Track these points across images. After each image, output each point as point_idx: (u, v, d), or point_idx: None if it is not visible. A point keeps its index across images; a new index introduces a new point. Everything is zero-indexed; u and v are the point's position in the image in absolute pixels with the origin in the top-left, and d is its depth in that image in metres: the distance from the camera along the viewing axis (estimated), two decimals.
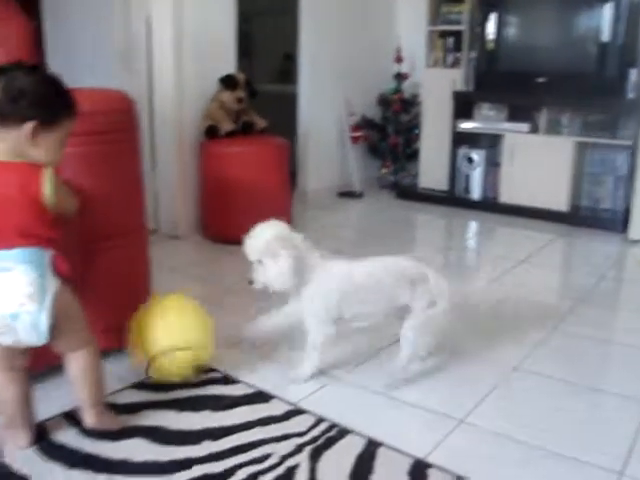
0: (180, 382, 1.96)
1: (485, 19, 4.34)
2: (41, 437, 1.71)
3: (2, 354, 1.61)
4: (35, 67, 1.61)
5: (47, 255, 1.57)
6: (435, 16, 4.67)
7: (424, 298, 1.99)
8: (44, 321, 1.54)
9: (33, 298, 1.52)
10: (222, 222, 3.55)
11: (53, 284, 1.57)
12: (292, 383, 1.99)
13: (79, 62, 3.61)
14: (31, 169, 1.55)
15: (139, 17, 3.53)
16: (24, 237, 1.54)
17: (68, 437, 1.72)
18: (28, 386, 1.69)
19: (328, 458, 1.64)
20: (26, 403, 1.68)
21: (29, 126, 1.51)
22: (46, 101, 1.55)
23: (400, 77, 4.99)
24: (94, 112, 1.77)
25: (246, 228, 3.48)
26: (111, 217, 1.81)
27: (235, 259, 3.31)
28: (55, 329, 1.57)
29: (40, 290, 1.53)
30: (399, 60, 4.96)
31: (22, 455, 1.64)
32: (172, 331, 1.91)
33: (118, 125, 1.94)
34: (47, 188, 1.54)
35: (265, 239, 1.97)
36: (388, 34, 5.11)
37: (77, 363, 1.67)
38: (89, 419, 1.72)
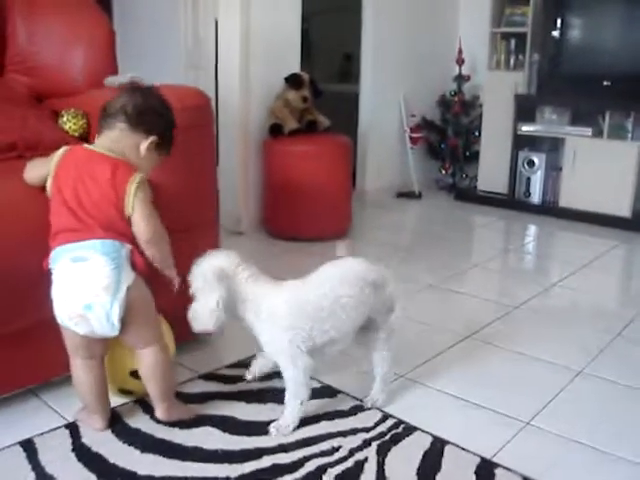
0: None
1: (550, 21, 4.29)
2: (116, 421, 1.77)
3: (81, 343, 1.66)
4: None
5: (125, 249, 1.62)
6: (498, 17, 4.63)
7: (384, 304, 1.80)
8: (116, 313, 1.58)
9: (108, 290, 1.57)
10: (284, 219, 3.60)
11: (128, 278, 1.61)
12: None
13: (147, 62, 3.70)
14: (126, 170, 1.65)
15: (207, 19, 3.61)
16: (106, 229, 1.60)
17: (141, 423, 1.78)
18: (104, 373, 1.74)
19: (395, 454, 1.66)
20: (102, 389, 1.74)
21: (152, 139, 1.70)
22: (166, 124, 1.75)
23: (461, 79, 4.97)
24: (176, 108, 1.81)
25: (308, 226, 3.57)
26: (186, 210, 1.86)
27: (296, 256, 3.40)
28: (126, 322, 1.62)
29: (115, 282, 1.58)
30: (460, 62, 4.94)
31: (99, 437, 1.71)
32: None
33: (195, 121, 1.99)
34: (130, 201, 1.64)
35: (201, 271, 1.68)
36: (450, 35, 5.09)
37: (147, 360, 1.71)
38: (159, 413, 1.76)
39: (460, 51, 4.93)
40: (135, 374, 1.79)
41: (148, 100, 1.73)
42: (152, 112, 1.73)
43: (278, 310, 1.69)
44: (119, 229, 1.62)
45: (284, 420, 1.75)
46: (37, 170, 1.73)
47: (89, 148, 1.70)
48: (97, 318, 1.58)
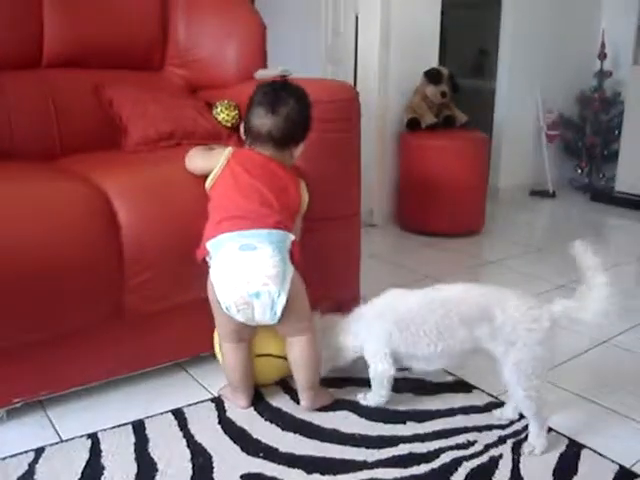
0: None
1: None
2: (258, 400, 1.86)
3: (235, 328, 1.74)
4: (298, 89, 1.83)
5: (289, 239, 1.69)
6: None
7: (497, 340, 1.66)
8: (282, 302, 1.65)
9: (276, 279, 1.63)
10: (417, 213, 3.62)
11: (291, 268, 1.68)
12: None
13: (288, 56, 3.81)
14: (293, 174, 1.79)
15: (348, 14, 3.67)
16: (277, 219, 1.68)
17: (282, 403, 1.86)
18: (251, 355, 1.83)
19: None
20: (248, 370, 1.82)
21: (301, 146, 1.82)
22: (308, 127, 1.83)
23: (602, 74, 4.79)
24: (325, 101, 1.88)
25: (441, 221, 3.57)
26: (333, 200, 1.92)
27: (432, 251, 3.41)
28: (285, 312, 1.68)
29: (282, 272, 1.64)
30: (602, 56, 4.76)
31: (243, 413, 1.80)
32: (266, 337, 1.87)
33: (343, 114, 2.06)
34: (305, 197, 1.79)
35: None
36: (592, 29, 4.91)
37: (297, 347, 1.76)
38: (304, 401, 1.81)
39: (603, 45, 4.75)
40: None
41: (289, 120, 1.76)
42: (295, 127, 1.79)
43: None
44: (287, 220, 1.71)
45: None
46: (201, 162, 1.83)
47: (259, 152, 1.79)
48: (262, 306, 1.65)
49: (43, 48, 2.31)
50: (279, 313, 1.67)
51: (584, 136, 4.89)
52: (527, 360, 1.61)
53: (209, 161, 1.81)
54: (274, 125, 1.75)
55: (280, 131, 1.76)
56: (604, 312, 1.60)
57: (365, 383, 1.95)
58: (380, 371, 1.79)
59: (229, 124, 2.29)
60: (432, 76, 3.66)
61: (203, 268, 1.72)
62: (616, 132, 4.73)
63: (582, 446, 1.68)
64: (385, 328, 1.77)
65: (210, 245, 1.69)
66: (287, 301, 1.66)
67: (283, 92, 1.78)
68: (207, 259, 1.72)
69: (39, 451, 1.61)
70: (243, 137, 1.85)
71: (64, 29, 2.33)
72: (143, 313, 1.84)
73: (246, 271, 1.63)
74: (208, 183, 1.78)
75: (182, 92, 2.49)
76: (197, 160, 1.85)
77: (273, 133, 1.76)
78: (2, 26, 2.21)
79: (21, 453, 1.60)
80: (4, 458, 1.58)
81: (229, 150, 1.80)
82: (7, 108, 2.16)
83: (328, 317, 1.91)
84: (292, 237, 1.70)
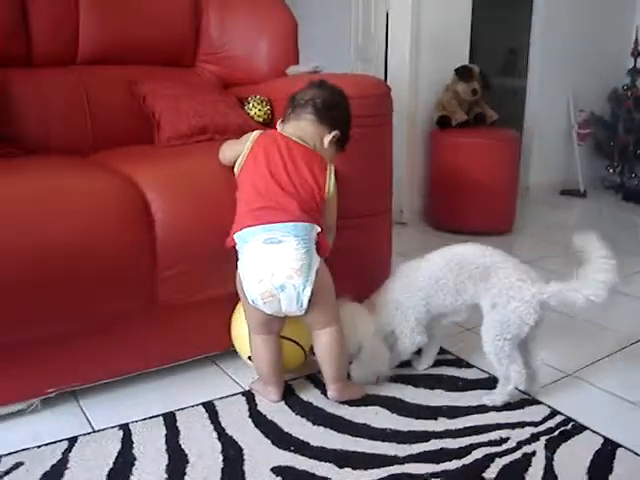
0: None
1: None
2: (289, 394, 1.86)
3: (264, 320, 1.74)
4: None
5: (315, 231, 1.68)
6: None
7: (486, 298, 1.82)
8: (307, 294, 1.65)
9: (300, 272, 1.63)
10: (447, 211, 3.61)
11: (317, 260, 1.68)
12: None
13: (319, 55, 3.82)
14: (322, 160, 1.76)
15: (378, 12, 3.66)
16: (303, 209, 1.67)
17: (312, 397, 1.86)
18: (280, 348, 1.82)
19: (564, 451, 1.63)
20: (279, 362, 1.82)
21: (335, 133, 1.81)
22: (347, 122, 1.85)
23: (635, 72, 4.73)
24: (358, 96, 1.88)
25: (471, 219, 3.54)
26: (365, 197, 1.92)
27: None
28: (311, 303, 1.68)
29: (307, 265, 1.64)
30: (636, 54, 4.70)
31: (273, 406, 1.80)
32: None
33: (376, 110, 2.06)
34: (331, 185, 1.76)
35: None
36: (625, 26, 4.85)
37: (324, 339, 1.76)
38: (331, 393, 1.81)
39: (636, 42, 4.69)
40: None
41: (335, 96, 1.84)
42: (337, 108, 1.84)
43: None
44: (313, 211, 1.70)
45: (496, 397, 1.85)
46: (233, 151, 1.84)
47: (285, 135, 1.80)
48: (288, 298, 1.65)
49: (78, 46, 2.35)
50: (305, 305, 1.67)
51: (616, 135, 4.83)
52: (501, 323, 1.77)
53: (236, 149, 1.82)
54: (318, 94, 1.82)
55: (322, 101, 1.81)
56: (596, 296, 1.70)
57: (398, 379, 1.94)
58: (417, 342, 1.93)
59: (261, 119, 2.30)
60: (463, 73, 3.64)
61: (234, 262, 1.72)
62: None
63: (618, 445, 1.66)
64: (413, 302, 1.90)
65: (237, 237, 1.70)
66: (313, 293, 1.66)
67: (334, 86, 1.87)
68: (236, 248, 1.72)
69: (72, 440, 1.63)
70: (278, 125, 1.87)
71: (99, 28, 2.36)
72: (175, 305, 1.85)
73: (271, 264, 1.63)
74: (236, 169, 1.79)
75: (214, 88, 2.50)
76: (227, 150, 1.87)
77: (316, 100, 1.80)
78: (40, 26, 2.25)
79: (55, 442, 1.62)
80: (39, 446, 1.60)
81: (255, 134, 1.80)
82: (43, 104, 2.20)
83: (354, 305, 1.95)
84: (318, 229, 1.69)
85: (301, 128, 1.81)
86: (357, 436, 1.67)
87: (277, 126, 1.88)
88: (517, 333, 1.77)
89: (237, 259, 1.72)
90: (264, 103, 2.31)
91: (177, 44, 2.55)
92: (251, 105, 2.31)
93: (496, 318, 1.78)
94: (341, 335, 1.78)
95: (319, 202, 1.73)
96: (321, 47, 3.87)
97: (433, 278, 1.87)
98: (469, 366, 2.05)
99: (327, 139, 1.82)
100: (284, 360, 1.84)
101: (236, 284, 1.74)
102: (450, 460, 1.58)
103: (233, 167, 1.82)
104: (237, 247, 1.72)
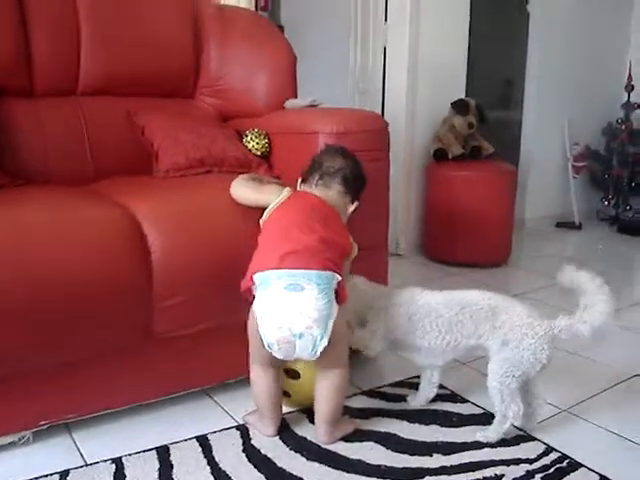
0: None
1: None
2: (283, 428, 1.84)
3: (268, 355, 1.70)
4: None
5: (335, 279, 1.66)
6: None
7: (495, 338, 1.80)
8: (324, 344, 1.63)
9: (319, 323, 1.61)
10: (444, 243, 3.62)
11: (335, 309, 1.66)
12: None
13: (317, 88, 3.86)
14: (345, 225, 1.84)
15: (376, 46, 3.71)
16: (328, 261, 1.67)
17: (307, 432, 1.84)
18: (280, 382, 1.82)
19: None
20: (278, 395, 1.81)
21: (356, 204, 1.88)
22: (363, 190, 1.92)
23: (629, 106, 4.78)
24: (355, 131, 1.90)
25: (467, 252, 3.56)
26: (364, 231, 1.92)
27: (458, 281, 3.38)
28: (324, 350, 1.66)
29: (326, 316, 1.62)
30: (630, 88, 4.75)
31: (267, 441, 1.79)
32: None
33: (374, 144, 2.08)
34: (355, 248, 1.83)
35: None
36: (619, 60, 4.92)
37: (329, 380, 1.74)
38: (321, 435, 1.79)
39: (629, 77, 4.75)
40: (288, 372, 1.88)
41: (359, 167, 1.90)
42: (361, 180, 1.91)
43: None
44: (338, 260, 1.70)
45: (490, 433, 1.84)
46: (252, 194, 1.87)
47: (317, 195, 1.83)
48: (304, 346, 1.63)
49: (79, 77, 2.37)
50: (319, 353, 1.65)
51: (611, 168, 4.87)
52: (512, 360, 1.76)
53: (261, 195, 1.84)
54: (346, 164, 1.86)
55: (351, 171, 1.86)
56: (603, 328, 1.75)
57: (392, 414, 1.94)
58: (371, 348, 1.91)
59: (259, 152, 2.32)
60: (459, 107, 3.67)
61: (233, 295, 1.72)
62: None
63: None
64: (394, 316, 1.88)
65: (257, 278, 1.67)
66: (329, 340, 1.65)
67: (353, 155, 1.92)
68: (252, 289, 1.70)
69: (64, 474, 1.61)
70: (299, 184, 1.90)
71: (100, 60, 2.38)
72: (171, 338, 1.85)
73: (291, 312, 1.61)
74: (265, 216, 1.80)
75: (213, 120, 2.52)
76: (247, 191, 1.88)
77: (345, 171, 1.85)
78: (42, 57, 2.28)
79: (46, 476, 1.61)
80: None
81: (288, 189, 1.83)
82: (43, 134, 2.22)
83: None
84: (339, 278, 1.68)
85: (330, 197, 1.83)
86: (352, 472, 1.66)
87: (298, 185, 1.90)
88: (528, 370, 1.77)
89: (239, 294, 1.71)
90: (262, 136, 2.33)
91: (177, 76, 2.58)
92: (249, 138, 2.33)
93: (507, 355, 1.77)
94: (345, 380, 1.77)
95: (343, 257, 1.76)
96: (320, 80, 3.91)
97: (425, 309, 1.86)
98: (464, 401, 2.05)
99: (350, 209, 1.88)
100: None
101: (248, 321, 1.71)
102: None
103: (239, 200, 1.88)
104: (255, 288, 1.68)
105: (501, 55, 5.36)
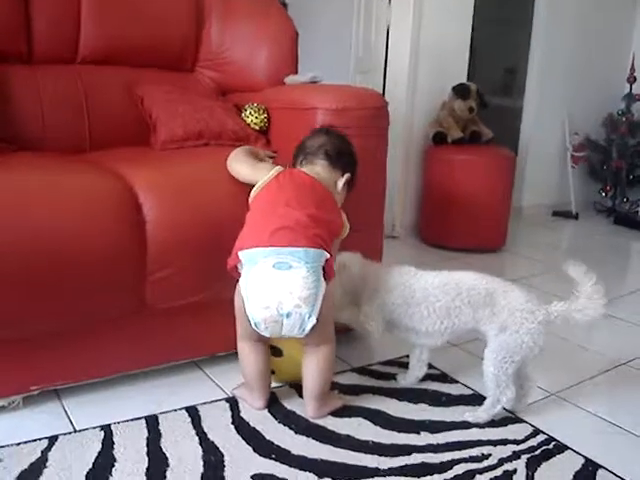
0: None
1: None
2: (272, 402, 1.85)
3: (255, 332, 1.70)
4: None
5: (324, 257, 1.66)
6: None
7: (494, 323, 1.79)
8: (312, 323, 1.63)
9: (307, 301, 1.61)
10: (439, 227, 3.62)
11: (323, 287, 1.65)
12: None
13: (317, 65, 3.84)
14: (337, 202, 1.83)
15: (379, 27, 3.69)
16: (318, 238, 1.66)
17: (296, 406, 1.85)
18: (268, 356, 1.82)
19: (545, 470, 1.63)
20: (266, 369, 1.82)
21: (347, 177, 1.87)
22: (355, 164, 1.91)
23: (630, 98, 4.77)
24: (354, 108, 1.89)
25: (463, 236, 3.56)
26: (359, 210, 1.92)
27: (454, 265, 3.34)
28: (313, 326, 1.66)
29: (314, 295, 1.62)
30: (632, 80, 4.74)
31: (256, 414, 1.80)
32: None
33: (373, 122, 2.07)
34: (347, 225, 1.82)
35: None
36: (622, 52, 4.90)
37: (316, 356, 1.75)
38: (310, 410, 1.80)
39: (632, 69, 4.73)
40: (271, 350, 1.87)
41: (343, 143, 1.90)
42: (348, 154, 1.89)
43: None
44: (326, 240, 1.69)
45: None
46: (247, 171, 1.85)
47: (309, 174, 1.81)
48: (291, 324, 1.63)
49: (79, 45, 2.35)
50: (308, 331, 1.65)
51: (610, 159, 4.87)
52: (511, 345, 1.77)
53: (255, 173, 1.83)
54: (328, 141, 1.87)
55: (334, 147, 1.86)
56: (596, 315, 1.79)
57: (381, 391, 1.94)
58: (371, 332, 1.90)
59: (257, 127, 2.31)
60: (460, 91, 3.66)
61: (226, 269, 1.72)
62: None
63: (598, 466, 1.66)
64: (390, 299, 1.87)
65: (243, 255, 1.66)
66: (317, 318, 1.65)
67: (338, 132, 1.92)
68: (238, 267, 1.70)
69: (52, 439, 1.62)
70: (292, 163, 1.90)
71: (100, 28, 2.36)
72: (163, 308, 1.84)
73: (279, 291, 1.60)
74: (252, 195, 1.79)
75: (212, 94, 2.51)
76: (243, 166, 1.87)
77: (326, 147, 1.85)
78: (41, 24, 2.26)
79: (35, 440, 1.61)
80: (18, 444, 1.59)
81: (278, 168, 1.82)
82: (41, 100, 2.20)
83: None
84: (327, 255, 1.67)
85: (316, 172, 1.83)
86: (339, 447, 1.67)
87: None
88: (526, 355, 1.78)
89: (236, 276, 1.70)
90: (261, 111, 2.32)
91: (178, 48, 2.56)
92: (248, 112, 2.32)
93: (507, 341, 1.76)
94: (332, 356, 1.78)
95: (333, 235, 1.76)
96: (321, 58, 3.89)
97: (422, 294, 1.85)
98: (453, 381, 2.06)
99: (341, 182, 1.86)
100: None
101: (235, 298, 1.71)
102: (431, 475, 1.58)
103: (233, 174, 1.87)
104: (242, 266, 1.68)
105: (506, 42, 5.34)
